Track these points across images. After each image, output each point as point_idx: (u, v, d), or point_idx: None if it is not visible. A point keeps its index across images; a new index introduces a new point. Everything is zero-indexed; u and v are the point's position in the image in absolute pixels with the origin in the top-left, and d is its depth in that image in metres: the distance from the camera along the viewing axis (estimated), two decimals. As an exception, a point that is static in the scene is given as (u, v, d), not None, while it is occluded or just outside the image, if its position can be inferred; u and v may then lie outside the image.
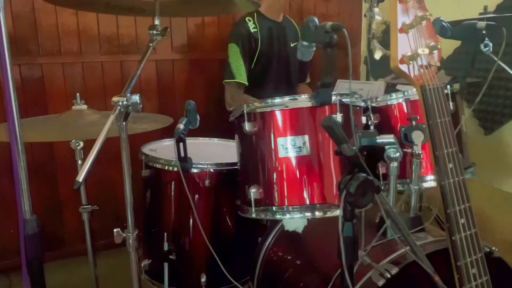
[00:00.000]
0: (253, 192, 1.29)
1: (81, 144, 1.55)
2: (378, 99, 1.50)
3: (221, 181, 1.55)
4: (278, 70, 2.37)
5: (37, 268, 1.00)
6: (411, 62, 0.91)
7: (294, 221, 1.47)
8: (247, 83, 2.27)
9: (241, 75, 2.25)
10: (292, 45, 2.40)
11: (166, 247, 1.46)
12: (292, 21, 2.50)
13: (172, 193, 1.57)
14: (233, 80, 2.25)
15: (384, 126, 1.47)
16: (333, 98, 1.24)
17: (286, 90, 2.41)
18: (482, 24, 1.37)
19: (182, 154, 1.38)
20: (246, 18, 2.27)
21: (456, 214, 0.92)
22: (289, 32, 2.41)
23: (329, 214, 1.24)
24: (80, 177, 0.90)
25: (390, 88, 2.07)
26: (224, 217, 1.60)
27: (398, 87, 2.02)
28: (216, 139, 1.98)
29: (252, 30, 2.26)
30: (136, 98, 1.04)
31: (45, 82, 2.35)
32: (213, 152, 1.83)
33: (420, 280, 1.03)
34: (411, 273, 1.07)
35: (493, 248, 1.15)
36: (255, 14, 2.29)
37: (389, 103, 1.48)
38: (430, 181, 1.42)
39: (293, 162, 1.25)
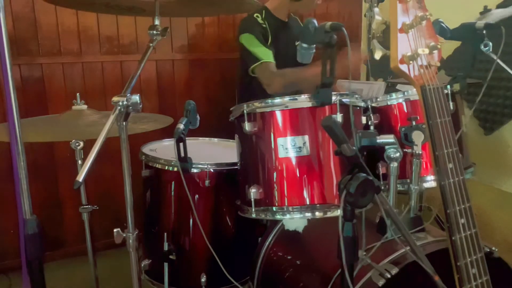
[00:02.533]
0: (253, 192, 1.29)
1: (81, 144, 1.55)
2: (378, 99, 1.50)
3: (221, 181, 1.55)
4: (283, 68, 2.36)
5: (37, 268, 1.00)
6: (411, 62, 0.91)
7: (294, 221, 1.47)
8: (274, 62, 2.12)
9: (266, 55, 2.10)
10: (296, 44, 2.38)
11: (166, 247, 1.47)
12: (298, 21, 2.48)
13: (172, 193, 1.57)
14: (260, 62, 2.10)
15: (384, 126, 1.47)
16: (333, 98, 1.24)
17: None
18: (480, 24, 1.37)
19: (182, 154, 1.38)
20: (255, 15, 2.25)
21: (456, 214, 0.92)
22: (295, 31, 2.39)
23: (329, 214, 1.24)
24: (80, 177, 0.90)
25: (390, 88, 2.07)
26: (224, 217, 1.60)
27: (398, 87, 2.02)
28: (216, 139, 1.98)
29: (263, 25, 2.24)
30: (136, 98, 1.04)
31: (45, 82, 2.35)
32: (213, 152, 1.83)
33: (420, 280, 1.03)
34: (411, 273, 1.07)
35: (493, 248, 1.15)
36: (263, 11, 2.28)
37: (389, 103, 1.48)
38: (430, 181, 1.43)
39: (293, 162, 1.25)
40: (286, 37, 2.34)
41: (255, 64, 2.11)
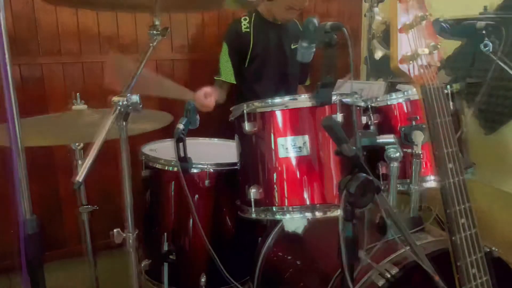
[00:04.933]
0: (253, 192, 1.29)
1: (81, 144, 1.55)
2: (378, 99, 1.50)
3: (221, 181, 1.55)
4: (276, 72, 2.36)
5: (37, 268, 1.00)
6: (411, 62, 0.91)
7: (293, 221, 1.47)
8: (234, 82, 2.31)
9: (226, 74, 2.30)
10: (293, 46, 2.38)
11: (166, 247, 1.47)
12: (297, 22, 2.47)
13: (172, 193, 1.57)
14: (219, 78, 2.31)
15: (384, 126, 1.47)
16: (333, 98, 1.24)
17: (285, 91, 2.40)
18: (481, 24, 1.37)
19: (182, 154, 1.38)
20: (242, 18, 2.28)
21: (456, 214, 0.92)
22: (291, 33, 2.39)
23: (329, 214, 1.24)
24: (80, 177, 0.90)
25: (390, 88, 2.07)
26: (224, 217, 1.60)
27: (398, 87, 2.02)
28: (216, 139, 1.98)
29: (243, 30, 2.26)
30: (136, 98, 1.04)
31: (45, 82, 2.35)
32: (213, 152, 1.83)
33: (420, 280, 1.03)
34: (411, 273, 1.07)
35: (493, 248, 1.15)
36: (253, 14, 2.29)
37: (389, 103, 1.48)
38: (430, 181, 1.42)
39: (293, 162, 1.25)
40: (278, 39, 2.33)
41: (216, 78, 2.32)
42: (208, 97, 2.03)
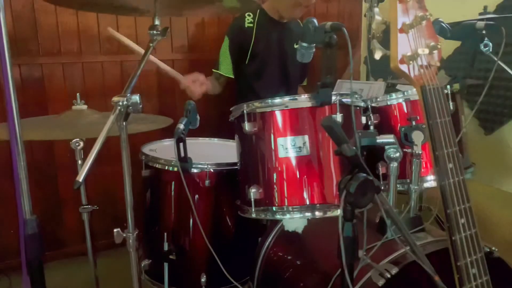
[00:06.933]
0: (253, 192, 1.29)
1: (81, 144, 1.55)
2: (378, 99, 1.50)
3: (221, 181, 1.55)
4: (276, 70, 2.36)
5: (37, 268, 1.00)
6: (411, 62, 0.91)
7: (294, 221, 1.47)
8: (231, 76, 2.35)
9: (224, 67, 2.33)
10: (295, 46, 2.37)
11: (166, 247, 1.47)
12: (300, 23, 2.47)
13: (172, 193, 1.57)
14: (217, 70, 2.35)
15: (384, 126, 1.47)
16: (333, 98, 1.24)
17: (285, 91, 2.40)
18: (481, 24, 1.37)
19: (182, 154, 1.38)
20: (246, 14, 2.28)
21: (456, 214, 0.92)
22: (294, 33, 2.39)
23: (329, 214, 1.24)
24: (80, 177, 0.90)
25: (390, 88, 2.07)
26: (224, 217, 1.60)
27: (398, 87, 2.02)
28: (216, 139, 1.98)
29: (246, 25, 2.27)
30: (136, 98, 1.04)
31: (45, 82, 2.35)
32: (213, 152, 1.83)
33: (420, 280, 1.03)
34: (411, 273, 1.07)
35: (493, 248, 1.15)
36: (258, 10, 2.29)
37: (389, 103, 1.49)
38: (430, 181, 1.43)
39: (293, 162, 1.25)
40: (280, 38, 2.33)
41: (214, 70, 2.37)
42: (197, 84, 2.04)
